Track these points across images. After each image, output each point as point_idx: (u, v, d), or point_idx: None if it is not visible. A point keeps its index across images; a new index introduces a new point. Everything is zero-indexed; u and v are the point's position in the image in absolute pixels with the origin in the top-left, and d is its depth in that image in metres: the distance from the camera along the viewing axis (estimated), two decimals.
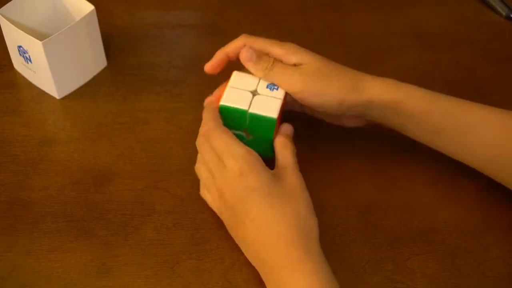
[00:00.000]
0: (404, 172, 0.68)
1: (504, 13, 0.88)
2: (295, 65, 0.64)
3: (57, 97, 0.75)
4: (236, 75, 0.65)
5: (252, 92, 0.63)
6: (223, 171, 0.58)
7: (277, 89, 0.63)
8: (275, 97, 0.63)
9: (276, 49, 0.64)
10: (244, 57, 0.64)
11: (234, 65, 0.67)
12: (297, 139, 0.66)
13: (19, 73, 0.77)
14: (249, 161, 0.57)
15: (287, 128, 0.64)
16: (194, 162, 0.66)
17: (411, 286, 0.60)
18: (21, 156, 0.69)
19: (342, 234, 0.64)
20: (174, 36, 0.83)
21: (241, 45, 0.65)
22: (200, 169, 0.63)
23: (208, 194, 0.63)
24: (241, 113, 0.62)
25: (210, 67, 0.67)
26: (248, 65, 0.64)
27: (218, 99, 0.63)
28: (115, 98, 0.75)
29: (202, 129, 0.61)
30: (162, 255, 0.61)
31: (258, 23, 0.85)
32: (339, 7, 0.89)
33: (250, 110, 0.62)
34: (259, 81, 0.64)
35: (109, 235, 0.62)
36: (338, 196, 0.67)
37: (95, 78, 0.77)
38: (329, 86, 0.62)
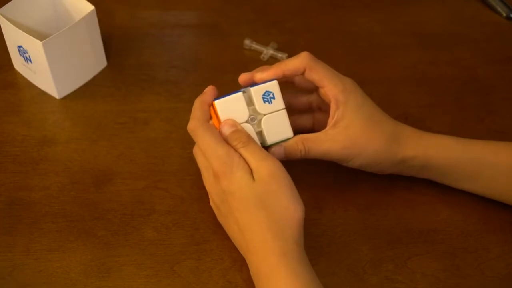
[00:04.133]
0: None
1: (504, 13, 0.88)
2: (335, 116, 0.62)
3: (57, 97, 0.75)
4: (219, 104, 0.61)
5: (251, 120, 0.61)
6: (208, 169, 0.60)
7: (273, 97, 0.61)
8: (278, 109, 0.61)
9: (333, 89, 0.62)
10: (277, 155, 0.61)
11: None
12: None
13: (19, 73, 0.77)
14: (225, 164, 0.57)
15: (225, 127, 0.61)
16: (194, 162, 0.66)
17: (411, 286, 0.60)
18: (21, 156, 0.69)
19: (342, 234, 0.64)
20: (174, 36, 0.83)
21: (301, 68, 0.62)
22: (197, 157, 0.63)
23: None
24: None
25: (261, 76, 0.62)
26: (283, 159, 0.61)
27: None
28: (115, 98, 0.75)
29: (188, 126, 0.61)
30: (162, 255, 0.61)
31: (258, 23, 0.85)
32: (339, 7, 0.89)
33: (268, 142, 0.61)
34: (247, 100, 0.61)
35: (109, 235, 0.62)
36: (338, 196, 0.67)
37: (95, 78, 0.77)
38: (369, 148, 0.62)
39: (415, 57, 0.82)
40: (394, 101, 0.76)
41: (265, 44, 0.81)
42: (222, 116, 0.60)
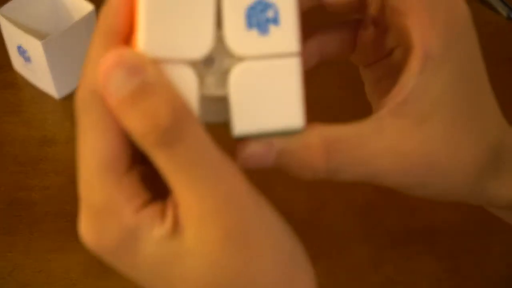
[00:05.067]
0: None
1: (504, 13, 0.88)
2: (410, 87, 0.29)
3: (57, 97, 0.74)
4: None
5: (209, 60, 0.26)
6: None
7: (277, 20, 0.27)
8: (282, 54, 0.27)
9: (425, 26, 0.29)
10: (256, 163, 0.29)
11: None
12: None
13: (18, 73, 0.77)
14: (110, 216, 0.27)
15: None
16: None
17: (411, 286, 0.60)
18: (21, 156, 0.69)
19: (342, 234, 0.63)
20: None
21: None
22: None
23: None
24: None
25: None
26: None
27: None
28: None
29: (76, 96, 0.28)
30: None
31: None
32: None
33: (239, 129, 0.27)
34: (221, 7, 0.26)
35: None
36: (338, 196, 0.67)
37: None
38: (451, 171, 0.30)
39: None
40: None
41: None
42: (146, 36, 0.25)
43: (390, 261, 0.62)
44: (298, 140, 0.28)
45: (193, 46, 0.25)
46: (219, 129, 0.28)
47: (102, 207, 0.26)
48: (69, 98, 0.75)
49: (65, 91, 0.75)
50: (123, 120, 0.24)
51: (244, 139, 0.27)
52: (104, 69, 0.24)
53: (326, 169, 0.29)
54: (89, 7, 0.72)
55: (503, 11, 0.88)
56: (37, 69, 0.73)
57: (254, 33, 0.26)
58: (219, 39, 0.26)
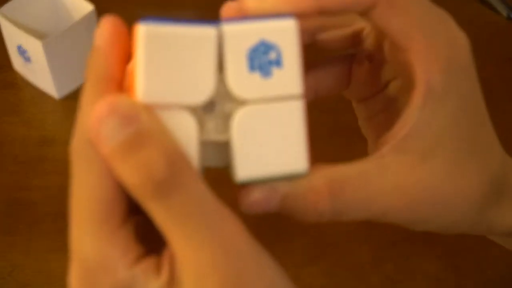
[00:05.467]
0: None
1: (504, 13, 0.88)
2: (415, 120, 0.29)
3: (57, 97, 0.74)
4: (149, 38, 0.26)
5: (209, 105, 0.26)
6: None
7: (279, 62, 0.26)
8: (285, 97, 0.26)
9: (423, 60, 0.29)
10: (260, 208, 0.28)
11: None
12: None
13: (18, 73, 0.77)
14: (98, 277, 0.26)
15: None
16: None
17: (411, 286, 0.60)
18: (21, 156, 0.69)
19: (342, 234, 0.63)
20: None
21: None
22: None
23: None
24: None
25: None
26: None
27: None
28: None
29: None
30: None
31: None
32: None
33: (241, 175, 0.27)
34: (223, 51, 0.25)
35: None
36: None
37: None
38: (455, 203, 0.30)
39: None
40: None
41: None
42: (145, 84, 0.25)
43: (390, 261, 0.62)
44: (302, 184, 0.27)
45: (194, 91, 0.24)
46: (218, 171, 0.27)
47: (95, 262, 0.25)
48: (69, 98, 0.75)
49: (65, 91, 0.75)
50: (116, 170, 0.23)
51: (247, 185, 0.26)
52: (96, 117, 0.23)
53: (331, 211, 0.28)
54: (89, 7, 0.72)
55: (503, 11, 0.88)
56: (37, 69, 0.73)
57: (256, 76, 0.25)
58: (221, 82, 0.25)
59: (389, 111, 0.30)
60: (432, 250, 0.63)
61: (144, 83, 0.24)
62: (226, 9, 0.28)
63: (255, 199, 0.26)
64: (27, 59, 0.73)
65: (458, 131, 0.29)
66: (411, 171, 0.28)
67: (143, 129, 0.23)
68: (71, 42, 0.71)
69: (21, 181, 0.67)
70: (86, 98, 0.25)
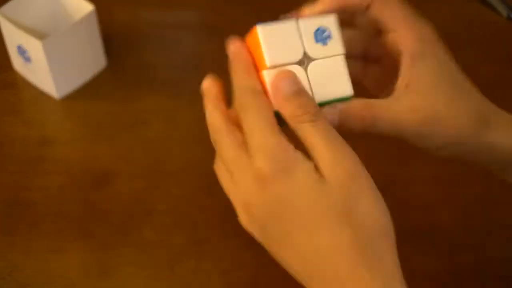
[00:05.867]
0: (404, 171, 0.68)
1: (504, 13, 0.88)
2: (410, 75, 0.44)
3: (57, 97, 0.75)
4: (264, 32, 0.43)
5: (301, 61, 0.43)
6: (240, 169, 0.40)
7: (330, 36, 0.44)
8: (335, 55, 0.44)
9: (407, 35, 0.45)
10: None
11: None
12: (297, 140, 0.66)
13: (18, 73, 0.77)
14: (278, 161, 0.38)
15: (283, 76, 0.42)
16: (194, 162, 0.66)
17: (411, 286, 0.60)
18: (21, 156, 0.69)
19: None
20: (174, 36, 0.83)
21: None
22: (219, 169, 0.44)
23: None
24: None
25: (311, 11, 0.46)
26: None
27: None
28: (115, 98, 0.75)
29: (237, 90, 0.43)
30: (162, 255, 0.61)
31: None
32: None
33: (316, 100, 0.42)
34: (300, 34, 0.43)
35: (109, 235, 0.62)
36: None
37: (95, 78, 0.77)
38: (451, 123, 0.44)
39: None
40: None
41: None
42: (268, 54, 0.42)
43: None
44: (351, 103, 0.43)
45: (294, 55, 0.43)
46: None
47: (276, 144, 0.39)
48: (69, 98, 0.75)
49: (65, 91, 0.75)
50: (284, 108, 0.40)
51: (321, 106, 0.43)
52: (277, 77, 0.41)
53: (369, 121, 0.43)
54: (89, 7, 0.72)
55: (503, 11, 0.88)
56: (37, 69, 0.73)
57: (319, 45, 0.44)
58: (307, 54, 0.43)
59: (382, 71, 0.48)
60: (432, 250, 0.63)
61: (268, 55, 0.42)
62: (298, 12, 0.47)
63: (325, 113, 0.42)
64: (27, 59, 0.73)
65: (441, 76, 0.45)
66: (418, 101, 0.44)
67: (301, 87, 0.41)
68: (71, 42, 0.72)
69: (21, 181, 0.67)
70: (241, 75, 0.43)
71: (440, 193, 0.67)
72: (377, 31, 0.47)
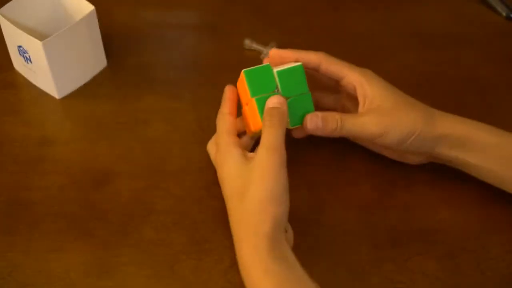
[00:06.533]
0: (404, 172, 0.68)
1: (504, 13, 0.88)
2: (365, 98, 0.63)
3: (57, 97, 0.75)
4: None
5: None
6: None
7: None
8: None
9: (354, 74, 0.63)
10: (310, 128, 0.62)
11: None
12: (297, 140, 0.66)
13: (19, 73, 0.77)
14: (222, 152, 0.60)
15: (273, 100, 0.61)
16: (194, 162, 0.66)
17: (411, 286, 0.60)
18: (21, 156, 0.69)
19: (342, 234, 0.64)
20: (174, 36, 0.83)
21: (315, 60, 0.64)
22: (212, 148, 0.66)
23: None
24: (266, 70, 0.61)
25: (274, 53, 0.65)
26: (316, 132, 0.62)
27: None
28: (115, 98, 0.75)
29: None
30: (162, 255, 0.61)
31: (258, 23, 0.85)
32: (339, 7, 0.89)
33: (275, 69, 0.61)
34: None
35: (109, 235, 0.62)
36: (338, 196, 0.67)
37: (95, 78, 0.77)
38: (404, 120, 0.61)
39: (415, 57, 0.82)
40: None
41: (265, 44, 0.81)
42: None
43: (390, 261, 0.62)
44: (330, 113, 0.62)
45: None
46: None
47: (226, 141, 0.61)
48: (69, 98, 0.75)
49: (66, 91, 0.75)
50: (265, 113, 0.60)
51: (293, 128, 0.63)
52: (273, 96, 0.60)
53: (340, 122, 0.61)
54: (89, 7, 0.72)
55: (503, 11, 0.88)
56: (37, 69, 0.73)
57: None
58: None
59: (346, 102, 0.68)
60: (432, 250, 0.63)
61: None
62: (269, 59, 0.65)
63: (311, 118, 0.62)
64: (28, 59, 0.73)
65: (388, 93, 0.63)
66: (374, 110, 0.62)
67: (280, 108, 0.60)
68: (72, 42, 0.72)
69: (21, 181, 0.67)
70: (223, 110, 0.64)
71: (440, 193, 0.67)
72: (336, 84, 0.66)
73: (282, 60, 0.64)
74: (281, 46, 0.81)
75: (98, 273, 0.60)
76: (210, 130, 0.67)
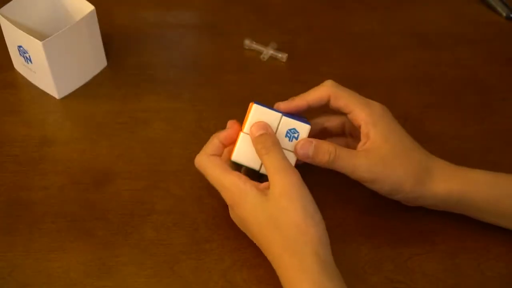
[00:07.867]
0: None
1: (504, 13, 0.88)
2: (367, 138, 0.60)
3: (57, 97, 0.75)
4: (255, 111, 0.60)
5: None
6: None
7: (296, 138, 0.61)
8: (291, 151, 0.60)
9: (361, 114, 0.61)
10: (300, 154, 0.60)
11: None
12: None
13: (19, 73, 0.77)
14: (234, 194, 0.58)
15: (256, 128, 0.60)
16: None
17: (411, 286, 0.60)
18: (21, 156, 0.69)
19: (342, 234, 0.64)
20: (174, 36, 0.83)
21: (325, 97, 0.62)
22: None
23: None
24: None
25: (285, 107, 0.62)
26: (306, 160, 0.60)
27: (233, 138, 0.61)
28: (115, 98, 0.75)
29: (195, 161, 0.62)
30: (162, 255, 0.61)
31: (258, 23, 0.85)
32: (339, 7, 0.89)
33: (262, 171, 0.60)
34: (279, 124, 0.60)
35: (109, 235, 0.62)
36: (338, 196, 0.67)
37: (95, 78, 0.77)
38: (396, 174, 0.59)
39: (415, 57, 0.82)
40: (394, 101, 0.75)
41: (265, 44, 0.81)
42: (248, 125, 0.60)
43: (390, 261, 0.62)
44: (324, 141, 0.60)
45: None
46: None
47: (234, 189, 0.58)
48: (69, 98, 0.75)
49: (66, 91, 0.75)
50: (254, 146, 0.60)
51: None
52: (254, 124, 0.60)
53: (333, 156, 0.59)
54: (89, 7, 0.72)
55: (503, 11, 0.88)
56: (37, 69, 0.73)
57: (287, 139, 0.60)
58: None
59: (349, 139, 0.67)
60: (432, 250, 0.63)
61: (247, 125, 0.60)
62: (283, 105, 0.63)
63: (303, 144, 0.60)
64: (28, 59, 0.73)
65: (392, 140, 0.60)
66: (371, 154, 0.60)
67: (266, 130, 0.60)
68: (72, 42, 0.72)
69: (21, 181, 0.67)
70: (214, 141, 0.62)
71: None
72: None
73: (297, 109, 0.62)
74: (281, 46, 0.81)
75: (98, 273, 0.60)
76: (210, 130, 0.67)
